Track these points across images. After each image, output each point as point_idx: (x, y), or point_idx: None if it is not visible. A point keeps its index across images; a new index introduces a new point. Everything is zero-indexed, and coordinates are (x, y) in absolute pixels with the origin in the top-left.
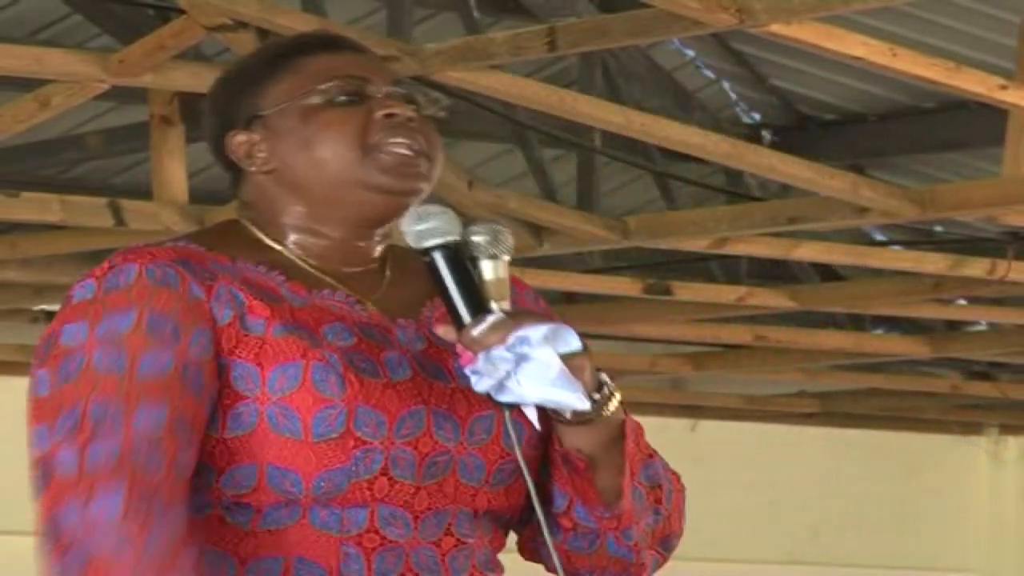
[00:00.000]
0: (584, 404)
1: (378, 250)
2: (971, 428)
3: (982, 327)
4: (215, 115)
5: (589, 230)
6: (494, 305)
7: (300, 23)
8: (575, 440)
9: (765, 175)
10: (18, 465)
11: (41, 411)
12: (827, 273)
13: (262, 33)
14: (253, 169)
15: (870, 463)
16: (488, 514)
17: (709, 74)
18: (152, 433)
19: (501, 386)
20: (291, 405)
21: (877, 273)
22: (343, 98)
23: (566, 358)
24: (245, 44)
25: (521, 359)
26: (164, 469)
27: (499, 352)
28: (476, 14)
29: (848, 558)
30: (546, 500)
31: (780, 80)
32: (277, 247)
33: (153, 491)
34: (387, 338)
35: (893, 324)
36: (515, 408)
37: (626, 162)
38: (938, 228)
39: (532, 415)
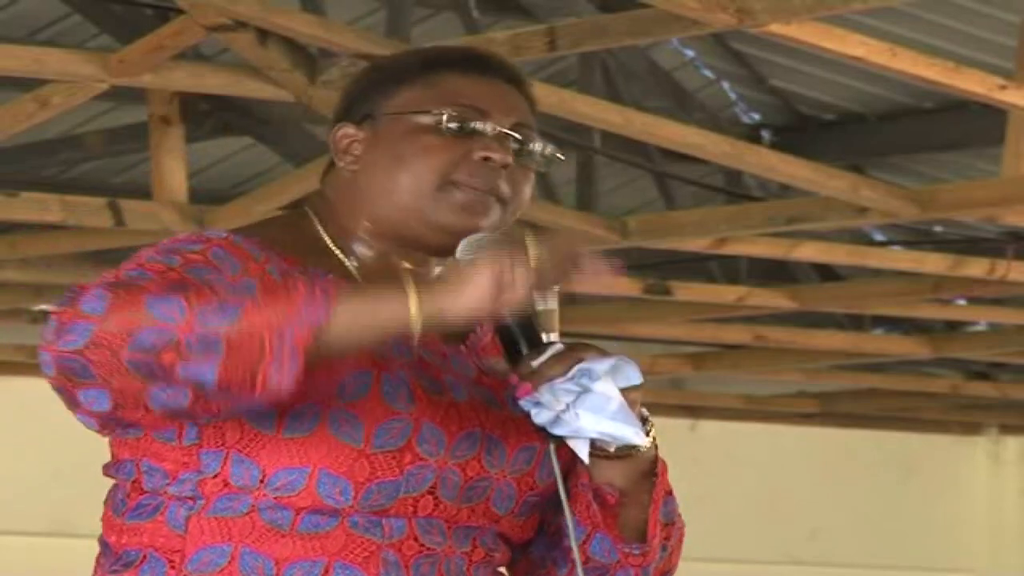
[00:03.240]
0: (642, 439)
1: (434, 275)
2: (971, 428)
3: (982, 327)
4: (344, 100)
5: (588, 230)
6: (547, 337)
7: (300, 23)
8: (609, 475)
9: (765, 175)
10: (18, 465)
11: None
12: (827, 273)
13: (262, 33)
14: (341, 164)
15: (870, 463)
16: (505, 536)
17: (709, 74)
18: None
19: (558, 419)
20: (356, 412)
21: (877, 273)
22: (452, 127)
23: (625, 392)
24: (245, 44)
25: (583, 392)
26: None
27: (563, 384)
28: (476, 14)
29: (847, 558)
30: (557, 534)
31: (780, 80)
32: (335, 253)
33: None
34: (443, 361)
35: (893, 324)
36: (561, 443)
37: (626, 162)
38: (938, 228)
39: (583, 449)
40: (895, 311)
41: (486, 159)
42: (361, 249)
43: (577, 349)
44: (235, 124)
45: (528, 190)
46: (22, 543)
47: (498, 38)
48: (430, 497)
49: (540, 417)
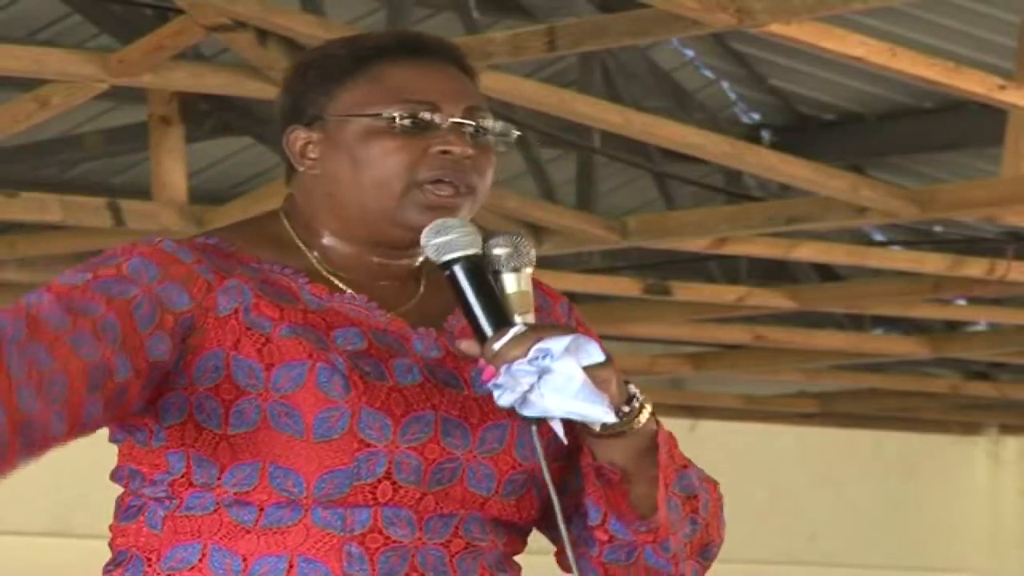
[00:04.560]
0: (610, 417)
1: (409, 269)
2: (970, 428)
3: (982, 327)
4: (286, 99)
5: (588, 230)
6: (517, 318)
7: (300, 23)
8: (607, 453)
9: (765, 175)
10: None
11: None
12: (827, 273)
13: (261, 33)
14: (302, 169)
15: (870, 463)
16: (499, 520)
17: (708, 74)
18: (94, 314)
19: (525, 400)
20: (293, 404)
21: (877, 273)
22: (405, 124)
23: (590, 370)
24: (244, 44)
25: (543, 372)
26: (59, 327)
27: (521, 366)
28: (475, 14)
29: (847, 558)
30: (581, 513)
31: (780, 80)
32: (307, 252)
33: (31, 331)
34: (402, 345)
35: (893, 324)
36: (541, 422)
37: (625, 162)
38: (938, 228)
39: (558, 428)
40: (895, 311)
41: (444, 152)
42: (332, 246)
43: (538, 329)
44: (235, 124)
45: (491, 172)
46: (22, 543)
47: (498, 38)
48: (387, 483)
49: (503, 399)
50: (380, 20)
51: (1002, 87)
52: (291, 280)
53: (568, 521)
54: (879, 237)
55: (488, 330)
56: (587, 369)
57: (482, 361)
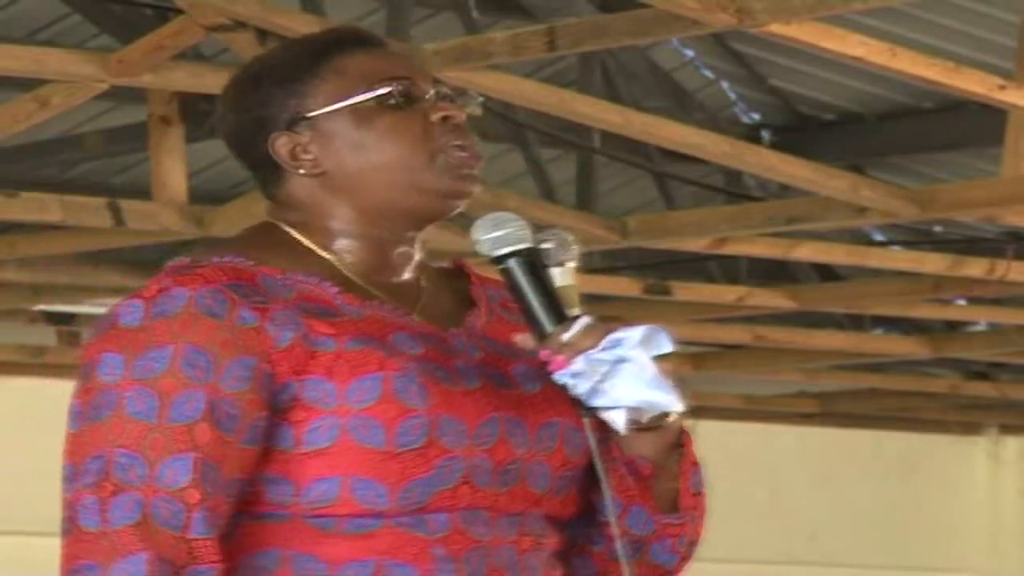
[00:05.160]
0: (679, 405)
1: (417, 258)
2: (970, 428)
3: (981, 327)
4: (244, 113)
5: (588, 230)
6: (570, 312)
7: (300, 23)
8: (640, 447)
9: (765, 175)
10: (18, 465)
11: (71, 446)
12: (827, 273)
13: (261, 33)
14: (302, 172)
15: (870, 463)
16: (551, 517)
17: (708, 74)
18: (176, 486)
19: (596, 389)
20: (373, 416)
21: (877, 273)
22: (396, 101)
23: (658, 360)
24: (244, 44)
25: (618, 361)
26: (186, 525)
27: (597, 354)
28: (475, 14)
29: (847, 558)
30: (592, 510)
31: (780, 80)
32: (324, 255)
33: (174, 552)
34: (450, 347)
35: (893, 324)
36: (595, 415)
37: (625, 162)
38: (937, 228)
39: (619, 420)
40: (895, 311)
41: (444, 118)
42: (349, 244)
43: (606, 321)
44: None
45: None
46: (21, 543)
47: (498, 38)
48: (465, 487)
49: (579, 388)
50: (380, 20)
51: (1002, 87)
52: (323, 291)
53: (577, 521)
54: (879, 237)
55: (547, 323)
56: (655, 359)
57: (546, 352)
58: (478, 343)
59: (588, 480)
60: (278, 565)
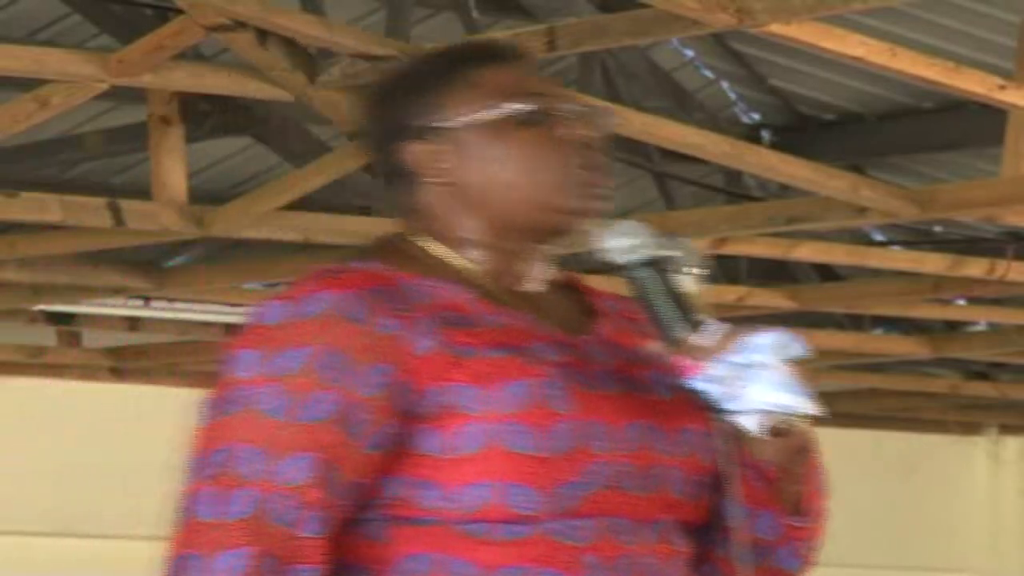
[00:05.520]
0: (814, 409)
1: (544, 270)
2: (970, 428)
3: (981, 327)
4: (381, 121)
5: (588, 230)
6: (700, 317)
7: (299, 23)
8: (767, 451)
9: (765, 175)
10: (18, 465)
11: (198, 439)
12: (827, 273)
13: (261, 33)
14: (433, 181)
15: (870, 463)
16: (685, 523)
17: (708, 74)
18: (294, 483)
19: (729, 394)
20: (521, 421)
21: (877, 273)
22: (530, 117)
23: (792, 364)
24: (244, 44)
25: (752, 366)
26: (298, 523)
27: (731, 359)
28: (475, 14)
29: (847, 558)
30: (715, 514)
31: (780, 80)
32: (454, 264)
33: (282, 549)
34: (586, 354)
35: (893, 324)
36: (726, 419)
37: (625, 162)
38: (937, 228)
39: (751, 424)
40: (895, 311)
41: (576, 136)
42: (479, 254)
43: (736, 326)
44: (235, 124)
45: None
46: (22, 543)
47: (498, 38)
48: (611, 492)
49: (712, 393)
50: (380, 20)
51: (1002, 87)
52: (459, 299)
53: (700, 530)
54: (879, 237)
55: (679, 329)
56: (790, 363)
57: (679, 358)
58: (609, 350)
59: (714, 485)
60: (430, 568)
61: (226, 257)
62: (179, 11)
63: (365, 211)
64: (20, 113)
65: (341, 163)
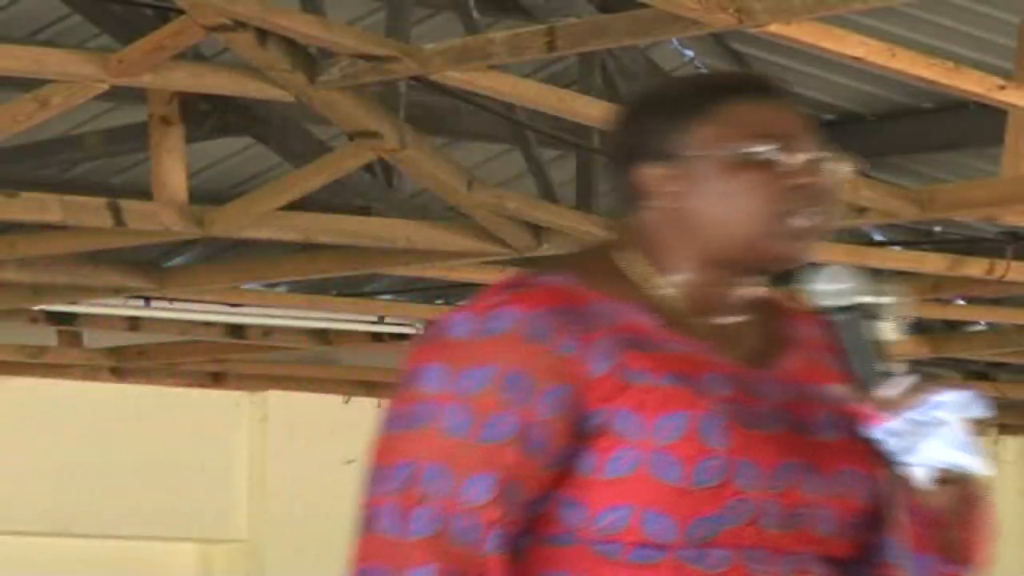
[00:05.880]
0: (987, 470)
1: (751, 301)
2: None
3: (981, 327)
4: (628, 137)
5: (588, 230)
6: (892, 368)
7: (300, 23)
8: (936, 498)
9: None
10: (18, 465)
11: (382, 448)
12: None
13: (261, 33)
14: (657, 204)
15: None
16: (834, 558)
17: None
18: (477, 503)
19: (908, 448)
20: (674, 453)
21: (877, 273)
22: (766, 158)
23: (971, 424)
24: (244, 44)
25: (935, 423)
26: (480, 541)
27: (917, 415)
28: (475, 14)
29: None
30: (872, 551)
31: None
32: (650, 288)
33: (465, 568)
34: (758, 390)
35: None
36: (903, 469)
37: None
38: (937, 228)
39: (924, 476)
40: None
41: (804, 185)
42: (683, 279)
43: (929, 381)
44: (235, 124)
45: (838, 204)
46: (22, 543)
47: (498, 38)
48: (752, 528)
49: (891, 445)
50: (380, 20)
51: (1002, 87)
52: (645, 323)
53: (855, 565)
54: (879, 237)
55: (870, 379)
56: (969, 423)
57: (865, 408)
58: (786, 386)
59: (871, 522)
60: None
61: (226, 257)
62: (179, 11)
63: (365, 211)
64: (20, 113)
65: (341, 163)
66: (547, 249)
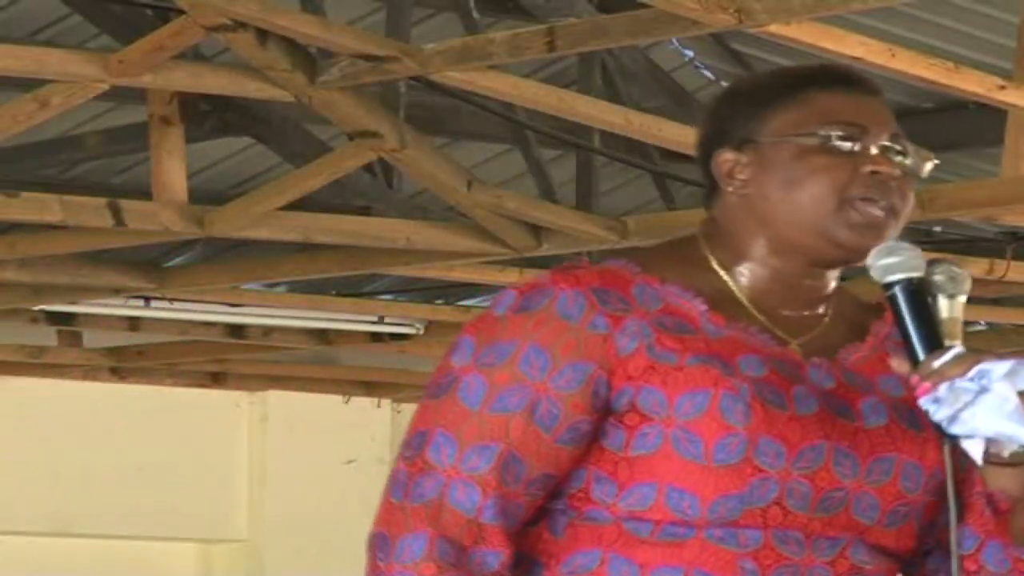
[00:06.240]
0: None
1: (824, 292)
2: None
3: (981, 327)
4: (712, 124)
5: (588, 230)
6: (949, 342)
7: (300, 23)
8: (1002, 481)
9: None
10: (18, 465)
11: (413, 417)
12: None
13: (261, 33)
14: (729, 189)
15: None
16: (881, 547)
17: (708, 74)
18: (477, 472)
19: (955, 417)
20: (695, 430)
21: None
22: (838, 145)
23: (1022, 395)
24: (244, 44)
25: (981, 392)
26: (478, 510)
27: (961, 383)
28: (475, 14)
29: None
30: (941, 548)
31: None
32: (721, 273)
33: (461, 534)
34: (799, 374)
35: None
36: (955, 444)
37: (625, 162)
38: (937, 228)
39: (977, 451)
40: None
41: (874, 172)
42: (752, 267)
43: (977, 352)
44: (235, 124)
45: (912, 198)
46: (22, 543)
47: (498, 38)
48: (777, 508)
49: (938, 414)
50: (380, 20)
51: (1002, 87)
52: (691, 307)
53: (927, 555)
54: None
55: (922, 350)
56: (1021, 394)
57: (915, 378)
58: (837, 375)
59: (942, 513)
60: (598, 565)
61: (226, 257)
62: (179, 11)
63: (365, 211)
64: (20, 113)
65: (341, 163)
66: (547, 249)
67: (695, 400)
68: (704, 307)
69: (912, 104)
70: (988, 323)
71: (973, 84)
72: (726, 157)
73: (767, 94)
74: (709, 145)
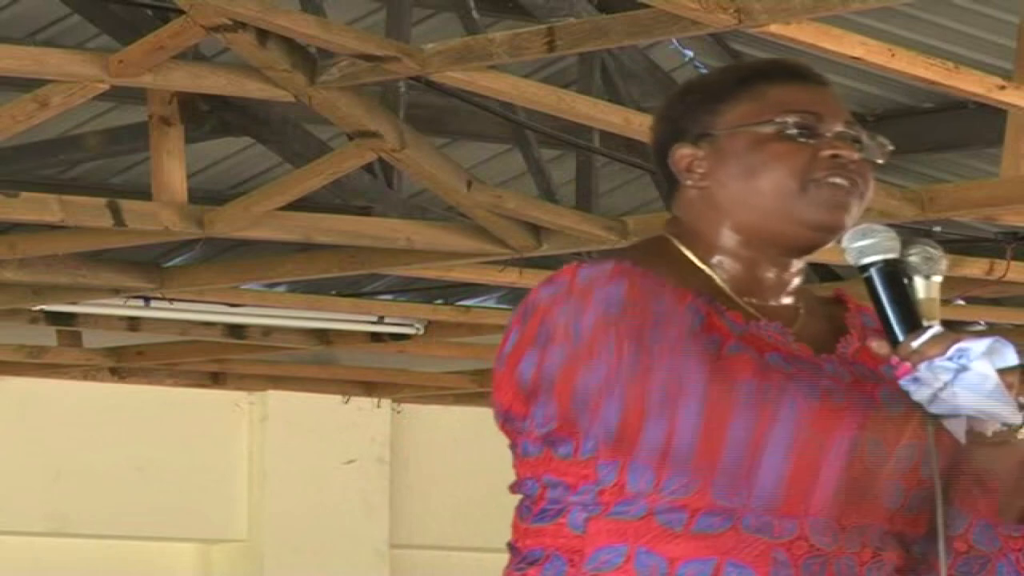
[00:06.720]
0: (1017, 418)
1: (794, 283)
2: None
3: (981, 327)
4: (667, 123)
5: (588, 230)
6: (926, 322)
7: (300, 23)
8: (989, 461)
9: None
10: (18, 465)
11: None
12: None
13: (261, 33)
14: (689, 184)
15: None
16: (898, 533)
17: None
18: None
19: (936, 396)
20: (741, 418)
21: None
22: (794, 132)
23: (1002, 373)
24: (244, 44)
25: (960, 370)
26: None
27: (941, 362)
28: (475, 14)
29: None
30: (936, 528)
31: None
32: (703, 268)
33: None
34: (819, 370)
35: None
36: (940, 425)
37: (625, 162)
38: (937, 228)
39: (960, 430)
40: None
41: (834, 156)
42: (726, 261)
43: (955, 331)
44: (235, 124)
45: (872, 183)
46: (22, 543)
47: (498, 38)
48: (818, 495)
49: (918, 394)
50: (380, 20)
51: (1001, 87)
52: (709, 305)
53: (925, 537)
54: None
55: (901, 331)
56: (999, 372)
57: (895, 358)
58: (848, 368)
59: (932, 497)
60: (623, 560)
61: (226, 257)
62: (179, 11)
63: (365, 211)
64: (20, 113)
65: (341, 163)
66: (547, 249)
67: (740, 388)
68: (722, 306)
69: (912, 104)
70: (988, 323)
71: (973, 84)
72: (683, 152)
73: (720, 89)
74: (666, 144)
